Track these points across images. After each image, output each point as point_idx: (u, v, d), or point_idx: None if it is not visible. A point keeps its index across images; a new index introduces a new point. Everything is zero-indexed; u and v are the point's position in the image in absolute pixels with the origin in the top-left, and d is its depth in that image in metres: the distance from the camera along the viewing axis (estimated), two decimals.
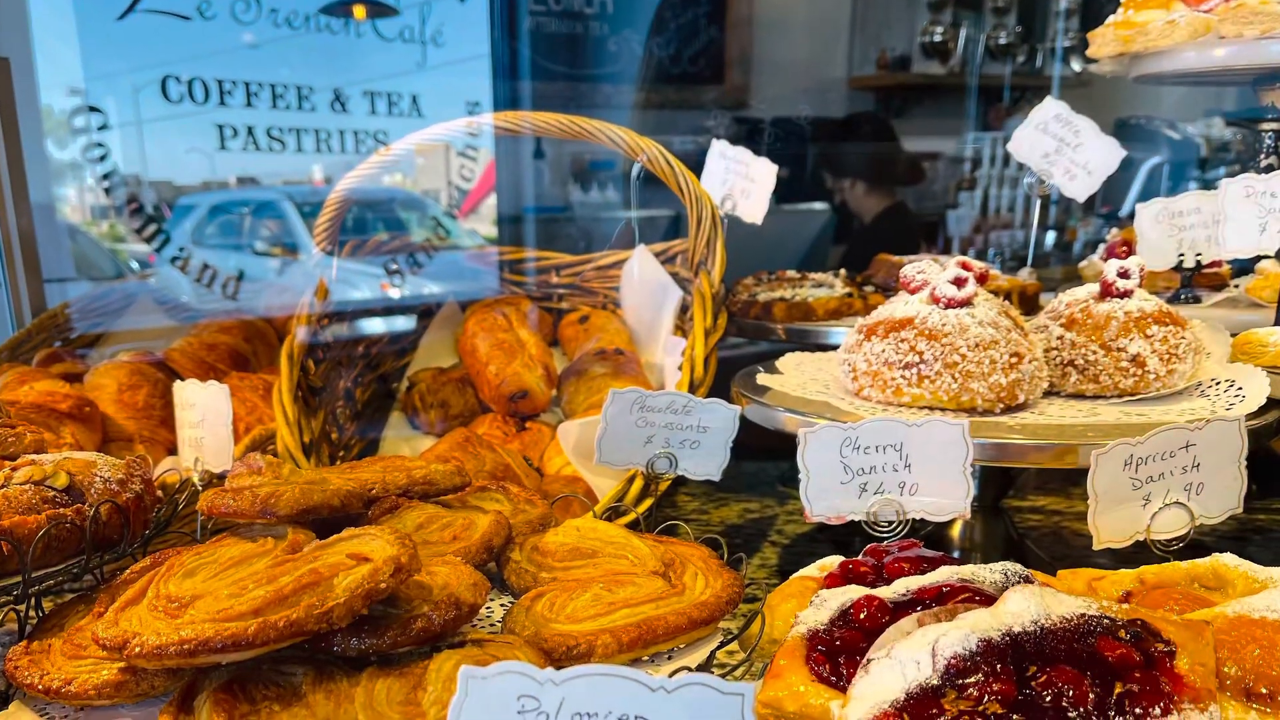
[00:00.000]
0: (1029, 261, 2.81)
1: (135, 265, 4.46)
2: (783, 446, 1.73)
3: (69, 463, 1.62)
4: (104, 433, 2.37)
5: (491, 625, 1.38)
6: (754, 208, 2.66)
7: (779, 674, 1.06)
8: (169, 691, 1.19)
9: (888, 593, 1.16)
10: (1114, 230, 2.96)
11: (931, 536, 2.00)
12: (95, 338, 2.99)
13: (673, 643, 1.22)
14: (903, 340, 1.64)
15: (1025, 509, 2.26)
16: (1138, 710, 0.88)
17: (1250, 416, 1.55)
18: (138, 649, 1.09)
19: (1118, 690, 0.90)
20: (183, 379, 2.58)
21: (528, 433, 2.43)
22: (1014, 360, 1.61)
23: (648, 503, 1.83)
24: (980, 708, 0.90)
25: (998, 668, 0.92)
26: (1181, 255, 2.20)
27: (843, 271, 2.83)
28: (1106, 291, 1.70)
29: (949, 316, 1.63)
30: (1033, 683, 0.91)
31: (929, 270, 1.73)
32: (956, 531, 1.99)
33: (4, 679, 1.30)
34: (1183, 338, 1.64)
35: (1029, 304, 2.45)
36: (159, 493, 1.73)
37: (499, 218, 5.86)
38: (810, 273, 2.82)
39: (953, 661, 0.93)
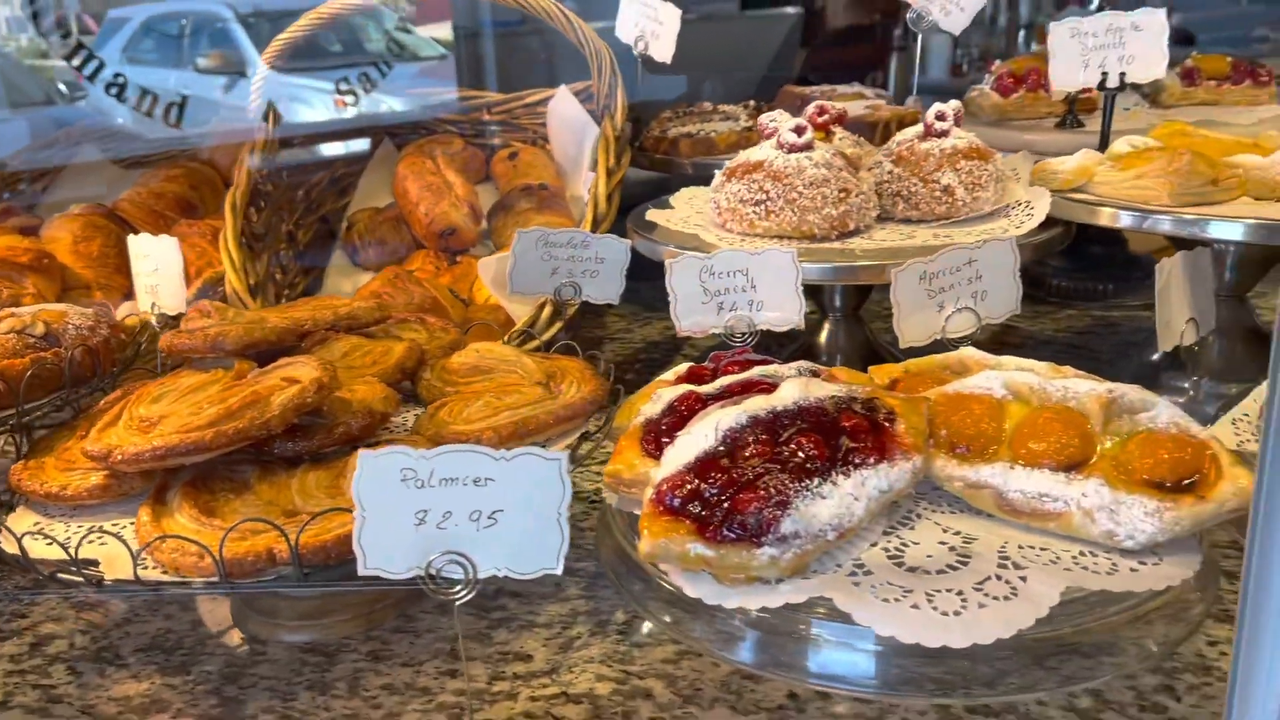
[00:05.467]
0: (914, 91, 3.04)
1: (63, 88, 4.04)
2: None
3: (45, 313, 1.90)
4: (63, 282, 2.57)
5: (407, 432, 1.69)
6: (663, 49, 2.84)
7: (619, 452, 1.38)
8: (145, 491, 1.49)
9: (708, 388, 1.47)
10: (998, 62, 3.15)
11: (805, 345, 2.32)
12: (41, 178, 3.09)
13: (545, 435, 1.54)
14: (754, 181, 1.92)
15: (884, 315, 2.56)
16: (857, 460, 1.21)
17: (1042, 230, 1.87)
18: (119, 456, 1.40)
19: (847, 446, 1.23)
20: (134, 227, 2.78)
21: (458, 266, 2.70)
22: (843, 195, 1.89)
23: (558, 325, 2.12)
24: (746, 464, 1.22)
25: (761, 435, 1.24)
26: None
27: (751, 103, 3.06)
28: (928, 131, 1.97)
29: (790, 160, 1.90)
30: (786, 445, 1.23)
31: (780, 119, 1.99)
32: (823, 339, 2.31)
33: (7, 491, 1.59)
34: (985, 169, 1.92)
35: None
36: (122, 335, 2.02)
37: (454, 32, 5.40)
38: (721, 105, 3.05)
39: (729, 433, 1.25)
